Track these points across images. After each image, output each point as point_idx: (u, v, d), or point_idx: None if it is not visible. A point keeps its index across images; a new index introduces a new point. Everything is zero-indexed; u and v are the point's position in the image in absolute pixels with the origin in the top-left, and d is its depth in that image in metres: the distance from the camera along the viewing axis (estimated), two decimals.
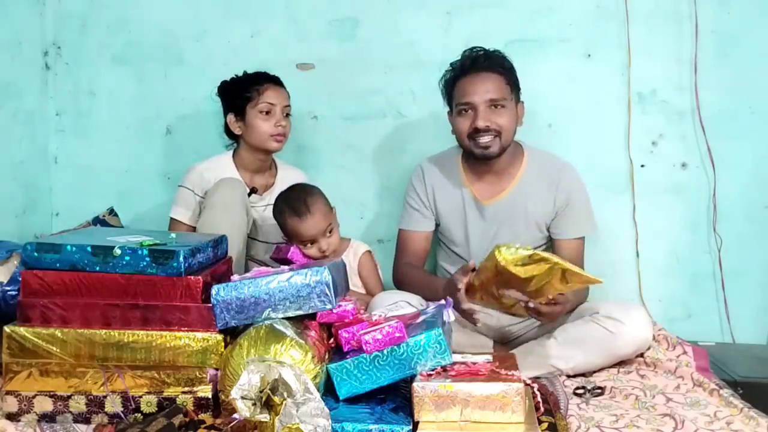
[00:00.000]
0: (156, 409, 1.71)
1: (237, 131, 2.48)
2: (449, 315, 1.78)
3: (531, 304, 1.86)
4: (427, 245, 2.42)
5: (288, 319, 1.71)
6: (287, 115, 2.47)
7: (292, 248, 2.21)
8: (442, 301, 1.84)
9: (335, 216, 2.34)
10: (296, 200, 2.26)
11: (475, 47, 2.28)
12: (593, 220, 2.37)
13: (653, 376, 2.03)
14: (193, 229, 2.41)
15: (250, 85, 2.44)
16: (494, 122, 2.19)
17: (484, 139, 2.20)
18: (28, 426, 1.69)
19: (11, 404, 1.71)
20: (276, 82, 2.48)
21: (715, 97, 2.62)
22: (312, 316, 1.77)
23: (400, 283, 2.36)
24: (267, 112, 2.42)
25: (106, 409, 1.71)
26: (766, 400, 1.88)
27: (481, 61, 2.23)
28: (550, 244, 2.38)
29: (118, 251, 1.72)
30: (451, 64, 2.30)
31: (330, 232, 2.29)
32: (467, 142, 2.24)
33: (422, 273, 2.36)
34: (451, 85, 2.28)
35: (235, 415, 1.47)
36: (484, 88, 2.19)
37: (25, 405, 1.71)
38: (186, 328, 1.72)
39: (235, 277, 1.82)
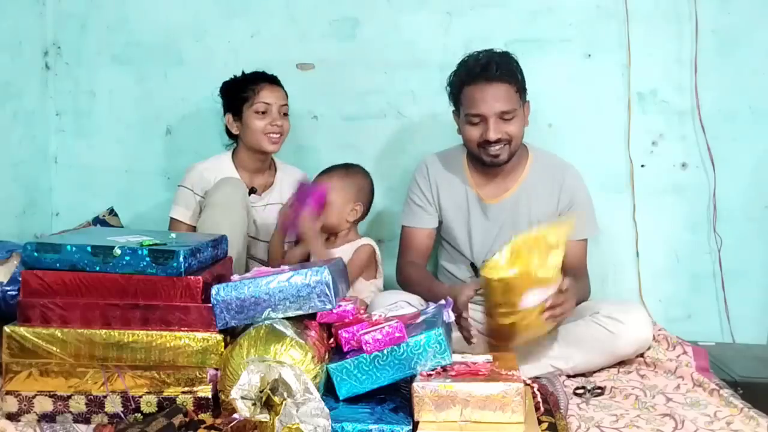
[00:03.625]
0: (156, 409, 1.71)
1: (235, 131, 2.49)
2: (449, 315, 1.78)
3: (548, 302, 1.89)
4: (430, 242, 2.41)
5: (288, 319, 1.71)
6: (284, 114, 2.48)
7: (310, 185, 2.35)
8: (442, 301, 1.85)
9: (347, 202, 2.38)
10: (337, 165, 2.45)
11: (483, 52, 2.22)
12: (595, 222, 2.37)
13: (653, 376, 2.03)
14: (193, 228, 2.41)
15: (247, 85, 2.44)
16: (505, 132, 2.17)
17: (495, 149, 2.19)
18: (28, 426, 1.69)
19: (11, 404, 1.71)
20: (272, 81, 2.48)
21: (715, 97, 2.62)
22: (312, 316, 1.77)
23: (403, 281, 2.36)
24: (263, 112, 2.42)
25: (106, 409, 1.71)
26: (766, 400, 1.88)
27: (493, 71, 2.16)
28: None
29: (118, 251, 1.72)
30: (460, 66, 2.24)
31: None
32: (476, 150, 2.23)
33: (426, 276, 2.34)
34: (459, 88, 2.23)
35: (235, 415, 1.47)
36: (494, 99, 2.15)
37: (25, 405, 1.71)
38: (186, 328, 1.72)
39: (235, 277, 1.82)
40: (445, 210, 2.37)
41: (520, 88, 2.22)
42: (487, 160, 2.23)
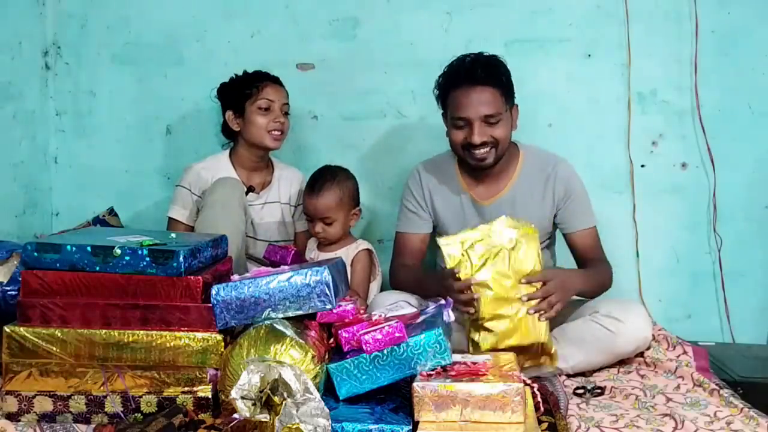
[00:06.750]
0: (156, 409, 1.71)
1: (235, 128, 2.49)
2: (449, 315, 1.78)
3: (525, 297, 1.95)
4: (423, 246, 2.42)
5: (288, 319, 1.71)
6: (286, 113, 2.49)
7: (283, 251, 2.25)
8: (442, 301, 1.84)
9: (347, 214, 2.39)
10: (319, 177, 2.39)
11: (469, 55, 2.21)
12: (593, 213, 2.37)
13: (653, 376, 2.03)
14: (191, 228, 2.41)
15: (250, 83, 2.45)
16: (489, 135, 2.16)
17: (480, 152, 2.18)
18: (28, 426, 1.69)
19: (11, 404, 1.71)
20: (275, 80, 2.50)
21: (715, 97, 2.62)
22: (312, 316, 1.77)
23: (396, 283, 2.35)
24: (266, 109, 2.43)
25: (106, 409, 1.71)
26: (766, 400, 1.88)
27: (478, 74, 2.14)
28: (553, 241, 2.39)
29: (118, 251, 1.72)
30: (446, 70, 2.24)
31: (329, 222, 2.35)
32: (462, 152, 2.23)
33: (416, 272, 2.34)
34: (445, 92, 2.23)
35: (235, 415, 1.47)
36: (479, 103, 2.14)
37: (25, 405, 1.71)
38: (186, 328, 1.72)
39: (235, 277, 1.82)
40: (440, 215, 2.37)
41: (506, 92, 2.19)
42: (473, 163, 2.22)
